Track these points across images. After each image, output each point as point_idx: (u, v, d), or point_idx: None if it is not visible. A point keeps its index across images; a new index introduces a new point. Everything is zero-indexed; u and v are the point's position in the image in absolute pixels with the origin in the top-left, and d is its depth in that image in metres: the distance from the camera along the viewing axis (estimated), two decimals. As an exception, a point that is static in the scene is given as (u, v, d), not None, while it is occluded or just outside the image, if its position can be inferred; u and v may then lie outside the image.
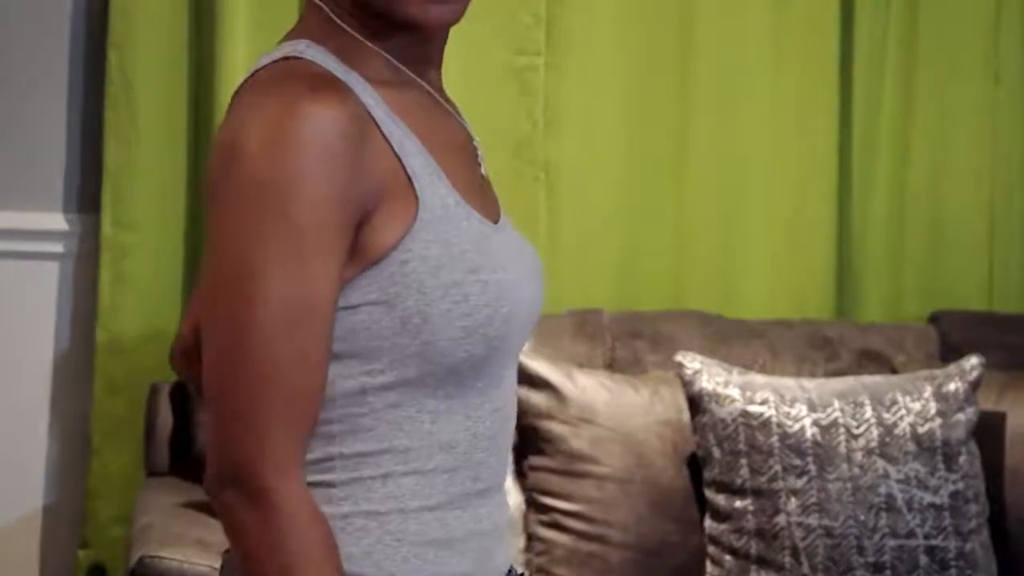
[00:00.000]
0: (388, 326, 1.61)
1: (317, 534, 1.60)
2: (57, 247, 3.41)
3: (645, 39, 3.65)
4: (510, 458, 1.82)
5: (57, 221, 3.40)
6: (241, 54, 3.46)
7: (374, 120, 1.62)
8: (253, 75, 1.66)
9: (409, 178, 1.62)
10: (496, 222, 1.70)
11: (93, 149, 3.41)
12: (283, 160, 1.59)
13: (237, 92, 1.64)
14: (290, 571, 1.59)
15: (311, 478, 1.61)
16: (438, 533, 1.67)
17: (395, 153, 1.62)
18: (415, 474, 1.65)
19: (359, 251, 1.61)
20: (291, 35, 1.70)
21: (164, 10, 3.41)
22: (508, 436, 1.75)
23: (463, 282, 1.62)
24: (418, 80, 1.74)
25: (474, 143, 1.76)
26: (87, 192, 3.40)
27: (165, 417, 3.40)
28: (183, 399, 3.37)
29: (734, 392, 3.20)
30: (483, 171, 1.75)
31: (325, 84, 1.62)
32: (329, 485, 1.62)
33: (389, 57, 1.70)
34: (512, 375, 1.75)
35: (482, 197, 1.72)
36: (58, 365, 3.47)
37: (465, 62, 3.60)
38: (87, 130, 3.44)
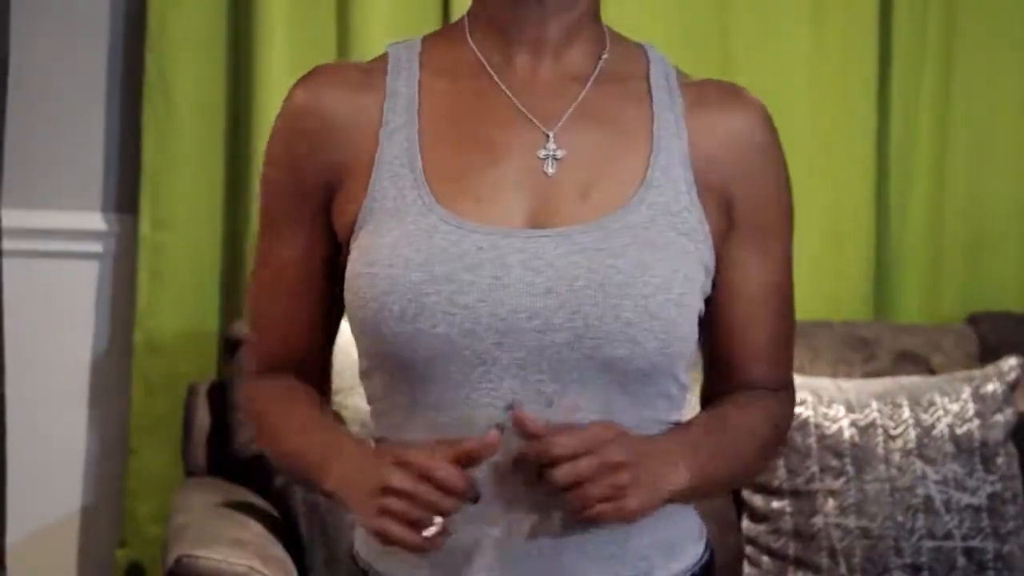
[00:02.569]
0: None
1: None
2: (96, 247, 3.41)
3: (689, 46, 3.63)
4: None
5: (96, 221, 3.40)
6: (277, 56, 3.46)
7: (381, 105, 1.69)
8: None
9: (374, 166, 1.65)
10: (531, 226, 1.64)
11: (131, 150, 3.40)
12: (267, 145, 1.76)
13: None
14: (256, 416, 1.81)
15: None
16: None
17: (379, 139, 1.66)
18: None
19: (336, 227, 1.69)
20: None
21: (201, 13, 3.39)
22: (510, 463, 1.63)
23: (359, 275, 1.62)
24: (492, 73, 1.71)
25: (546, 145, 1.68)
26: (125, 192, 3.40)
27: (203, 417, 3.37)
28: (221, 399, 3.33)
29: None
30: (549, 172, 1.67)
31: (316, 71, 1.72)
32: None
33: (481, 44, 1.72)
34: (515, 390, 1.62)
35: (510, 200, 1.67)
36: (96, 365, 3.45)
37: None
38: (125, 131, 3.42)
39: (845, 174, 3.72)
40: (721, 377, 1.82)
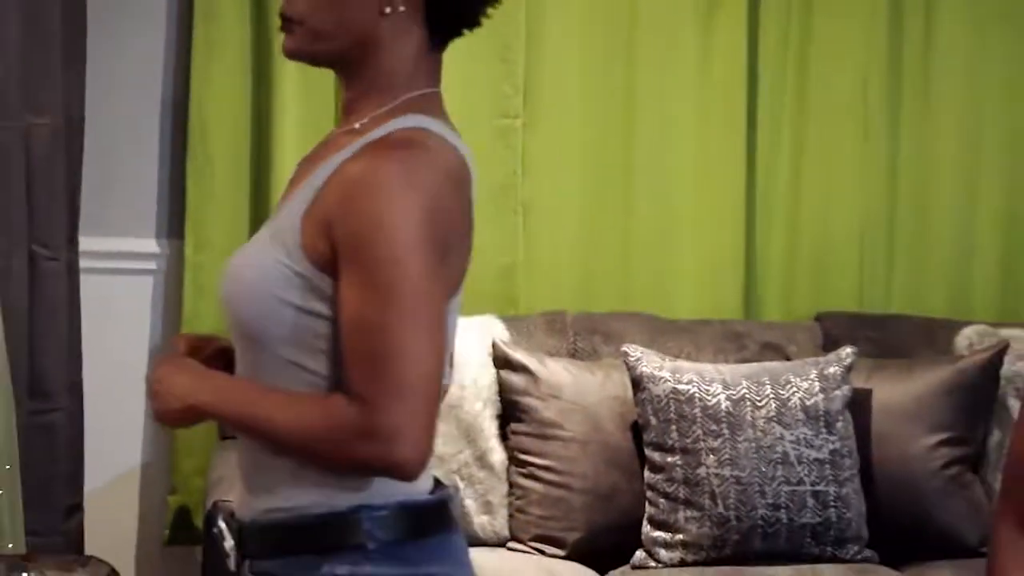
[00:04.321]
0: None
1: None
2: (150, 265, 3.43)
3: (600, 107, 3.66)
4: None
5: (150, 245, 3.42)
6: (290, 119, 3.52)
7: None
8: None
9: None
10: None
11: (178, 190, 3.45)
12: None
13: None
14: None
15: None
16: None
17: None
18: None
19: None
20: None
21: (232, 79, 3.43)
22: None
23: None
24: (335, 130, 1.68)
25: (312, 178, 1.61)
26: (174, 222, 3.43)
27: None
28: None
29: (666, 374, 3.22)
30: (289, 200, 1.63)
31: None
32: None
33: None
34: (241, 355, 1.65)
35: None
36: (151, 357, 3.47)
37: (460, 122, 3.43)
38: (173, 175, 3.47)
39: (722, 210, 3.74)
40: None
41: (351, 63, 1.67)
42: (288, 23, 1.64)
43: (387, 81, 1.65)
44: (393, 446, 1.54)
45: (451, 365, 1.73)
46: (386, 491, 1.64)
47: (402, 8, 1.63)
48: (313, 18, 1.63)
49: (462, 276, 1.68)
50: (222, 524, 1.70)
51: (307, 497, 1.63)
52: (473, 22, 1.69)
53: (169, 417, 1.66)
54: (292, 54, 1.64)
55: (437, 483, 1.73)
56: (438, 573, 1.67)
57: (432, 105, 1.67)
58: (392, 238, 1.55)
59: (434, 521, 1.69)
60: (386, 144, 1.61)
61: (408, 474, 1.59)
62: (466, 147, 1.67)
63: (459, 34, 1.69)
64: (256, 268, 1.62)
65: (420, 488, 1.67)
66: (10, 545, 2.87)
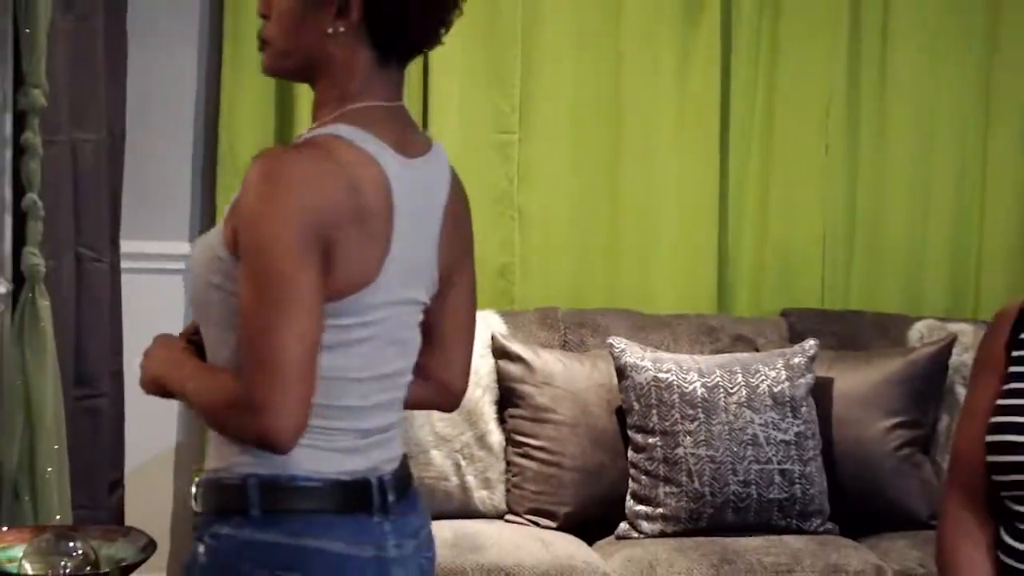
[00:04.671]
0: None
1: None
2: (183, 266, 3.37)
3: (587, 123, 3.69)
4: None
5: (183, 247, 3.38)
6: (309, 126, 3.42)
7: None
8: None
9: None
10: None
11: (208, 196, 3.47)
12: None
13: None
14: None
15: None
16: None
17: None
18: None
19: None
20: None
21: (258, 96, 3.44)
22: None
23: None
24: None
25: None
26: (205, 226, 3.43)
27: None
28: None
29: (647, 364, 3.20)
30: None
31: None
32: None
33: None
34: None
35: None
36: None
37: (462, 137, 3.60)
38: (204, 186, 3.49)
39: (697, 217, 3.75)
40: None
41: (311, 78, 1.67)
42: (263, 44, 1.67)
43: (339, 93, 1.64)
44: (261, 418, 1.51)
45: (463, 372, 1.79)
46: (299, 463, 1.60)
47: (342, 29, 1.62)
48: (278, 39, 1.65)
49: (372, 267, 1.62)
50: (193, 486, 1.70)
51: (228, 461, 1.62)
52: (423, 43, 1.68)
53: (144, 385, 1.69)
54: (266, 70, 1.67)
55: (403, 464, 1.71)
56: (312, 547, 1.62)
57: (370, 118, 1.64)
58: (259, 230, 1.52)
59: (332, 499, 1.64)
60: (288, 146, 1.63)
61: (278, 444, 1.54)
62: (397, 159, 1.62)
63: (412, 53, 1.69)
64: (198, 255, 1.63)
65: (340, 467, 1.63)
66: (58, 517, 2.90)
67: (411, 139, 1.67)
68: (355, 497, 1.64)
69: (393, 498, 1.67)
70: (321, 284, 1.55)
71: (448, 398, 1.85)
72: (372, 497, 1.65)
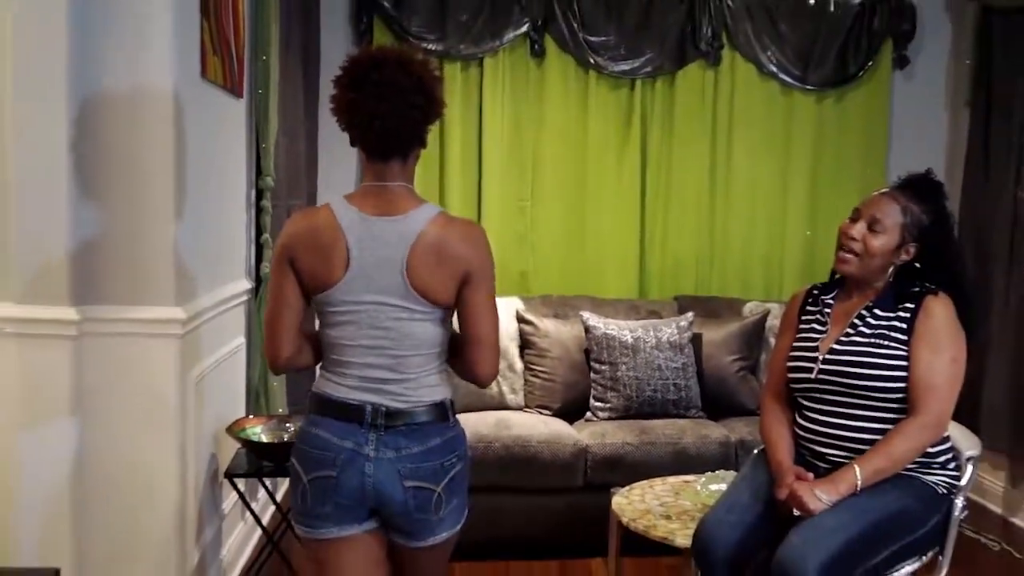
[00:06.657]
0: None
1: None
2: (243, 299, 3.17)
3: (568, 196, 3.94)
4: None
5: (243, 285, 3.17)
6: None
7: None
8: (461, 220, 1.75)
9: None
10: None
11: (257, 245, 3.35)
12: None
13: (470, 225, 1.75)
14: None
15: None
16: None
17: None
18: None
19: None
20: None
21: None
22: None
23: None
24: None
25: None
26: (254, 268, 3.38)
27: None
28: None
29: (601, 325, 3.47)
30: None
31: None
32: None
33: None
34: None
35: None
36: (247, 360, 3.25)
37: (500, 203, 3.85)
38: (255, 234, 3.38)
39: (627, 243, 3.98)
40: None
41: None
42: None
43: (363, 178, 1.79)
44: (267, 354, 1.75)
45: (485, 345, 1.73)
46: (324, 389, 1.74)
47: (348, 139, 1.72)
48: None
49: (334, 275, 1.64)
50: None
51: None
52: (379, 148, 1.67)
53: None
54: None
55: (405, 411, 1.68)
56: (313, 432, 1.73)
57: (357, 193, 1.69)
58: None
59: (318, 405, 1.75)
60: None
61: (270, 367, 1.76)
62: (357, 215, 1.62)
63: (387, 154, 1.70)
64: None
65: (345, 396, 1.70)
66: (280, 409, 3.12)
67: (383, 206, 1.70)
68: (350, 413, 1.72)
69: (382, 422, 1.70)
70: (294, 283, 1.67)
71: (478, 384, 1.83)
72: (364, 417, 1.71)
